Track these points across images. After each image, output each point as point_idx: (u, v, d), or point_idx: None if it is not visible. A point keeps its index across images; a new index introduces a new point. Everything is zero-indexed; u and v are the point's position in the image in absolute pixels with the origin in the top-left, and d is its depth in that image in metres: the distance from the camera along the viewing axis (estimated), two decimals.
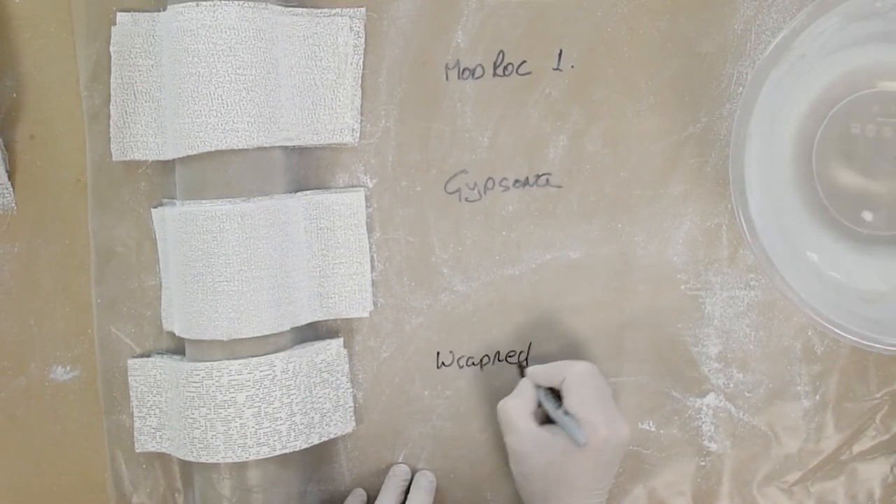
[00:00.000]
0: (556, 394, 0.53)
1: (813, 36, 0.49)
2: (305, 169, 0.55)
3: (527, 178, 0.56)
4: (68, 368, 0.56)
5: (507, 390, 0.54)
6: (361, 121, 0.55)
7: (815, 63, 0.52)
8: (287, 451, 0.52)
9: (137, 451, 0.55)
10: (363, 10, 0.54)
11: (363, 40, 0.54)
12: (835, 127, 0.54)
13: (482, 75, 0.55)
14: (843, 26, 0.50)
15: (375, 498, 0.55)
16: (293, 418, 0.52)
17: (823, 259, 0.54)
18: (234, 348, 0.51)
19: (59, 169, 0.55)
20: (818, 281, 0.54)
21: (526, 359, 0.57)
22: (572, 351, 0.57)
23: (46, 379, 0.56)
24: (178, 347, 0.55)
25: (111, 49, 0.53)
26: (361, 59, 0.54)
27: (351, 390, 0.56)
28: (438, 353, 0.57)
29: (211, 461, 0.51)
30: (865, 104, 0.53)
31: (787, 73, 0.50)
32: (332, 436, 0.55)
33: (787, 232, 0.53)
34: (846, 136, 0.54)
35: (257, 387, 0.51)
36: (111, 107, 0.53)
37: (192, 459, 0.52)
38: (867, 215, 0.54)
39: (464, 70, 0.55)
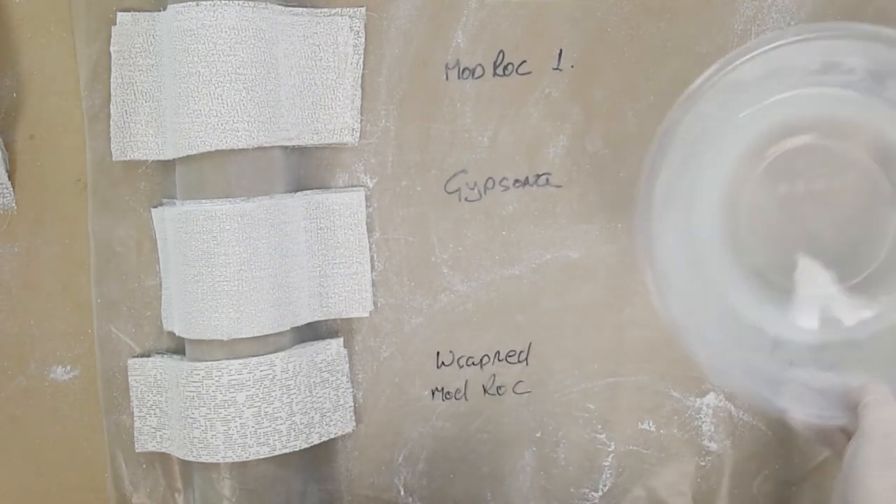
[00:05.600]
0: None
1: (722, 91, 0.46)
2: (305, 169, 0.55)
3: (527, 178, 0.56)
4: (68, 368, 0.56)
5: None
6: (361, 121, 0.55)
7: (727, 123, 0.50)
8: (287, 450, 0.52)
9: (137, 450, 0.55)
10: (363, 9, 0.54)
11: (363, 40, 0.54)
12: (760, 183, 0.51)
13: (482, 75, 0.55)
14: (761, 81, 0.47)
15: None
16: (293, 418, 0.52)
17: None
18: (234, 348, 0.51)
19: (59, 169, 0.55)
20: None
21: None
22: (572, 351, 0.57)
23: (46, 379, 0.56)
24: (178, 347, 0.55)
25: (111, 49, 0.53)
26: (361, 59, 0.54)
27: (351, 390, 0.56)
28: (438, 353, 0.57)
29: (211, 461, 0.51)
30: (789, 159, 0.51)
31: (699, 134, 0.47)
32: (332, 436, 0.55)
33: (704, 283, 0.51)
34: (772, 194, 0.51)
35: (257, 386, 0.51)
36: (111, 107, 0.53)
37: (192, 459, 0.52)
38: (792, 270, 0.52)
39: (464, 70, 0.55)
